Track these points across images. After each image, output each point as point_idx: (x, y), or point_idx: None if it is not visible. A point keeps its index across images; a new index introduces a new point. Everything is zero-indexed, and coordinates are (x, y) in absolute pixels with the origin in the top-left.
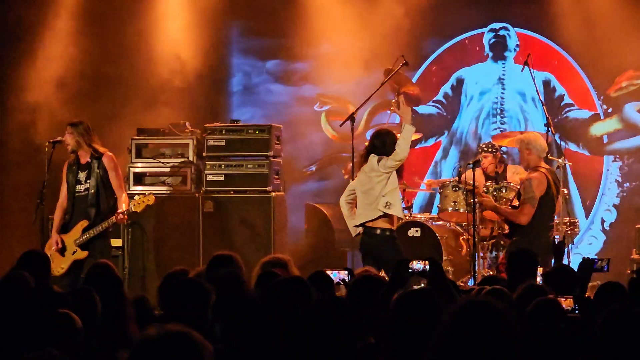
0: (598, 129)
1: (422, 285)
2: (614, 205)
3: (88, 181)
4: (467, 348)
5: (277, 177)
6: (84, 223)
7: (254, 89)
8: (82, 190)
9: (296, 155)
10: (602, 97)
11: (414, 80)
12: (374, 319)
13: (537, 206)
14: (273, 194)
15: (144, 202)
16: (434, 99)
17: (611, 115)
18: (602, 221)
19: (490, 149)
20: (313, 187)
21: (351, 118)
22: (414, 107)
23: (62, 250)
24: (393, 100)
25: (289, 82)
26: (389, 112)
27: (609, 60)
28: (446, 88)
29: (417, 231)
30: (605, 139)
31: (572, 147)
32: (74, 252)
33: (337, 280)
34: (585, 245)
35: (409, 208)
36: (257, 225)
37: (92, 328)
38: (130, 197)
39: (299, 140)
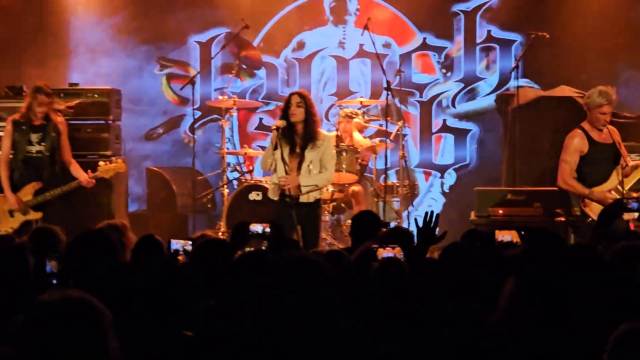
0: (437, 92)
1: (263, 247)
2: (454, 169)
3: (42, 144)
4: (279, 300)
5: (117, 141)
6: (35, 185)
7: (93, 49)
8: (34, 152)
9: (136, 118)
10: (441, 61)
11: (254, 43)
12: (215, 281)
13: None
14: (114, 158)
15: (113, 169)
16: (275, 62)
17: (450, 79)
18: (442, 184)
19: (352, 115)
20: (153, 151)
21: (191, 82)
22: (255, 71)
23: (11, 210)
24: (234, 64)
25: (129, 42)
26: (230, 76)
27: (448, 24)
28: (287, 51)
29: (258, 195)
30: (445, 103)
31: (412, 110)
32: (25, 213)
33: (179, 249)
34: (425, 207)
35: (250, 172)
36: (97, 192)
37: None
38: None
39: (140, 103)
